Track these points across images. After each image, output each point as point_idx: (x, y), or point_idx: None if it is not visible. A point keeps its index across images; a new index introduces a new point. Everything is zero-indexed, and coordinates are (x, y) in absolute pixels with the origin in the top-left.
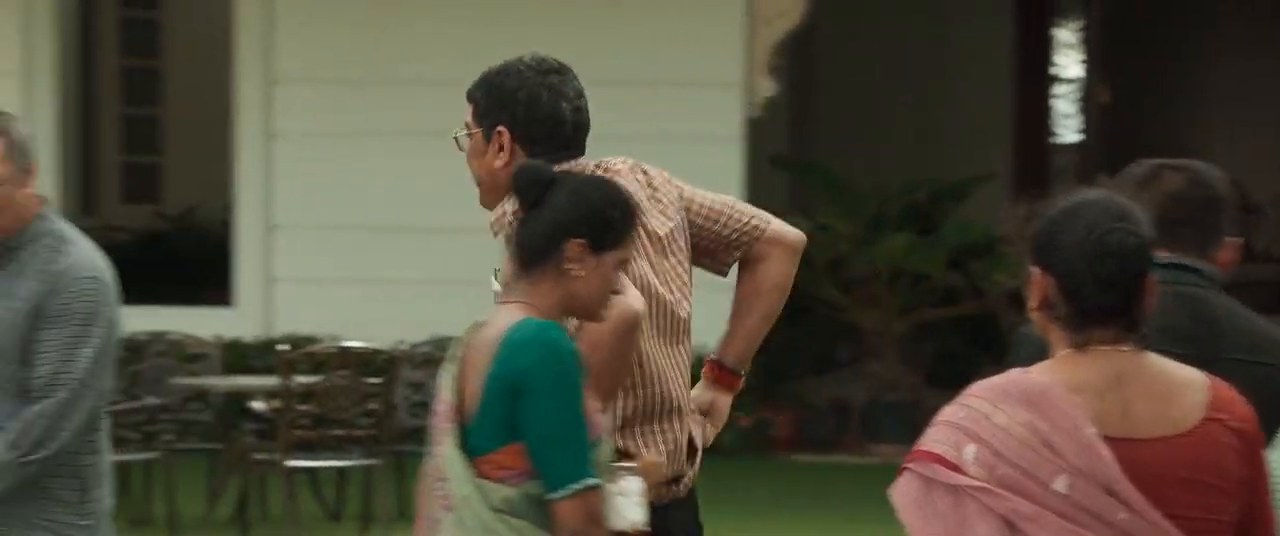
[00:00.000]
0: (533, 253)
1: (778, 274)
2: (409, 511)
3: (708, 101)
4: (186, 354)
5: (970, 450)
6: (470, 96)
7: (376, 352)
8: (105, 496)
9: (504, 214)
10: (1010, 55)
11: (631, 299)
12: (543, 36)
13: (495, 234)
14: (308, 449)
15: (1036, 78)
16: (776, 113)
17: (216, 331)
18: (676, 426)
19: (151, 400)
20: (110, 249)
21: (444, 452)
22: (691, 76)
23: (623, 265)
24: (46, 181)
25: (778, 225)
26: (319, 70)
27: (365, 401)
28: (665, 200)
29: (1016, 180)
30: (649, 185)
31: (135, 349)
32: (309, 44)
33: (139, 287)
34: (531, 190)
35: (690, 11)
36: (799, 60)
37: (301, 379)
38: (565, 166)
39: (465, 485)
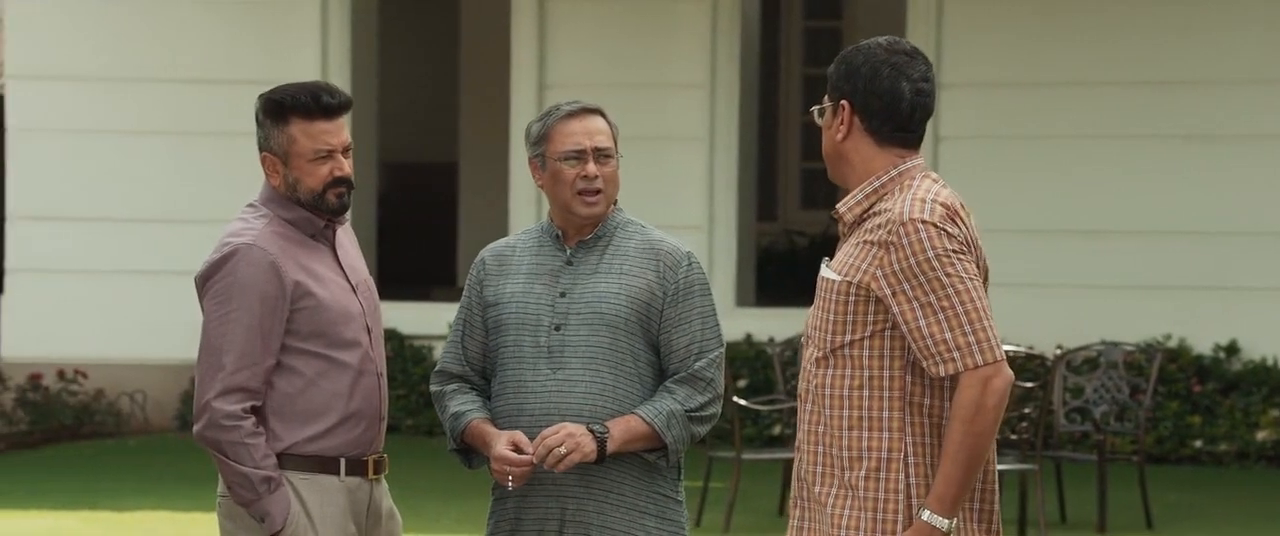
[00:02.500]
0: None
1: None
2: (1070, 517)
3: None
4: None
5: None
6: (828, 72)
7: (1031, 356)
8: None
9: (857, 204)
10: None
11: None
12: (1258, 39)
13: (838, 220)
14: None
15: None
16: None
17: None
18: None
19: None
20: (790, 253)
21: None
22: None
23: None
24: (727, 188)
25: None
26: (984, 74)
27: (1021, 405)
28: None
29: None
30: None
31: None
32: (977, 50)
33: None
34: None
35: None
36: None
37: None
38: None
39: None
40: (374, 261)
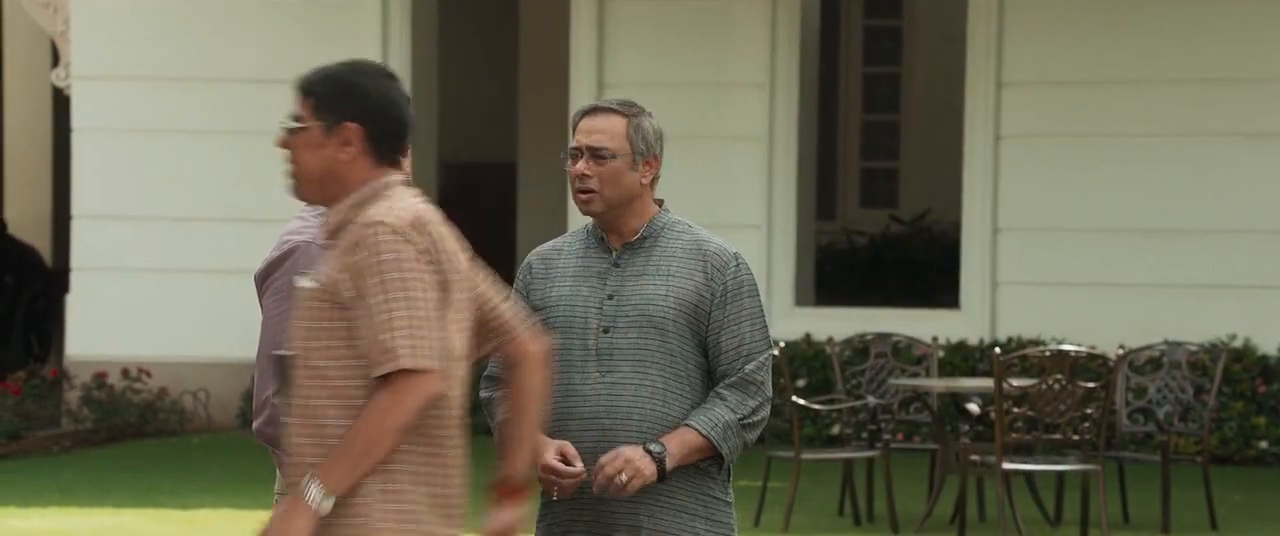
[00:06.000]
0: None
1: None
2: (1132, 518)
3: None
4: (911, 356)
5: None
6: (309, 90)
7: (1093, 356)
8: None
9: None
10: None
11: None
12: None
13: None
14: (1024, 452)
15: None
16: None
17: (943, 334)
18: None
19: (872, 399)
20: (849, 252)
21: None
22: None
23: None
24: (786, 187)
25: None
26: (1046, 73)
27: (1083, 405)
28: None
29: None
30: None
31: (861, 349)
32: (1038, 48)
33: (873, 290)
34: None
35: None
36: None
37: (1017, 382)
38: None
39: None
40: None
